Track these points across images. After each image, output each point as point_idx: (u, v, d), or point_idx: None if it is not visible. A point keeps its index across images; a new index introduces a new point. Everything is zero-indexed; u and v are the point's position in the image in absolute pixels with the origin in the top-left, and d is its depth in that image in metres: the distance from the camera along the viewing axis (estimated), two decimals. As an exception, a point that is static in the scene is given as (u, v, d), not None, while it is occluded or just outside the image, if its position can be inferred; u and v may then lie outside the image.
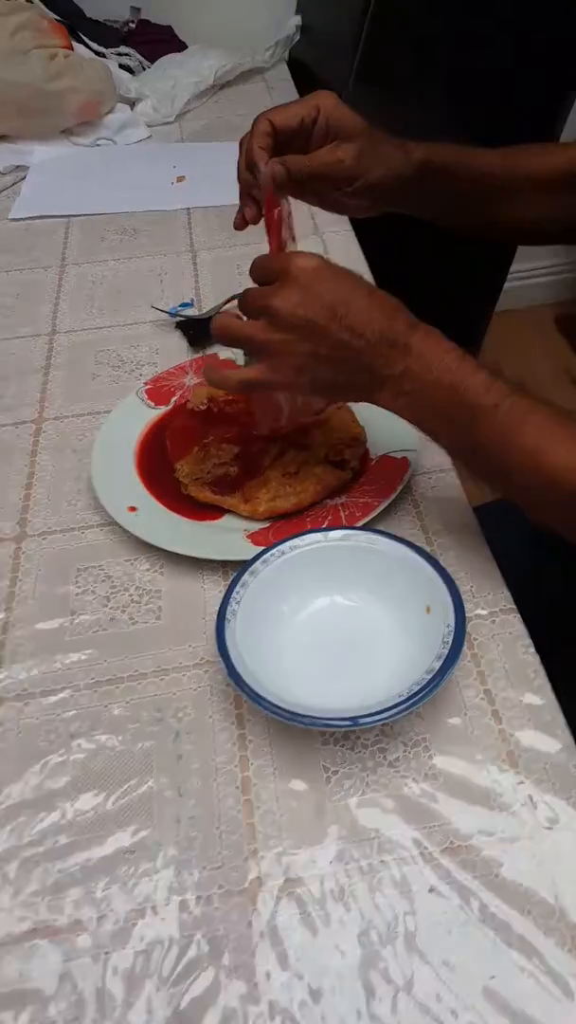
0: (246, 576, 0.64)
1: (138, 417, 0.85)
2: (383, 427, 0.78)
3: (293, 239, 0.71)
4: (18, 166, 1.33)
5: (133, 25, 1.63)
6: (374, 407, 0.64)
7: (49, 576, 0.71)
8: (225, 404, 0.84)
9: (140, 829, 0.55)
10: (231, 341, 0.63)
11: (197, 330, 0.98)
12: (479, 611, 0.65)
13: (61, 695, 0.62)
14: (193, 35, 1.62)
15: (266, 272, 0.62)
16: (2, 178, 1.31)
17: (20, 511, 0.77)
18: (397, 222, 0.98)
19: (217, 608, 0.61)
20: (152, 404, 0.87)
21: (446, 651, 0.57)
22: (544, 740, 0.57)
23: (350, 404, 0.81)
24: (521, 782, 0.55)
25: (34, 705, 0.62)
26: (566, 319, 2.38)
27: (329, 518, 0.73)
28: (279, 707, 0.55)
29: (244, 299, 0.62)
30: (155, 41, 1.60)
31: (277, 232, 0.68)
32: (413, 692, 0.55)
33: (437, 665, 0.56)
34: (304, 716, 0.55)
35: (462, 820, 0.54)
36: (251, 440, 0.79)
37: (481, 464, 0.61)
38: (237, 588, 0.63)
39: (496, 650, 0.63)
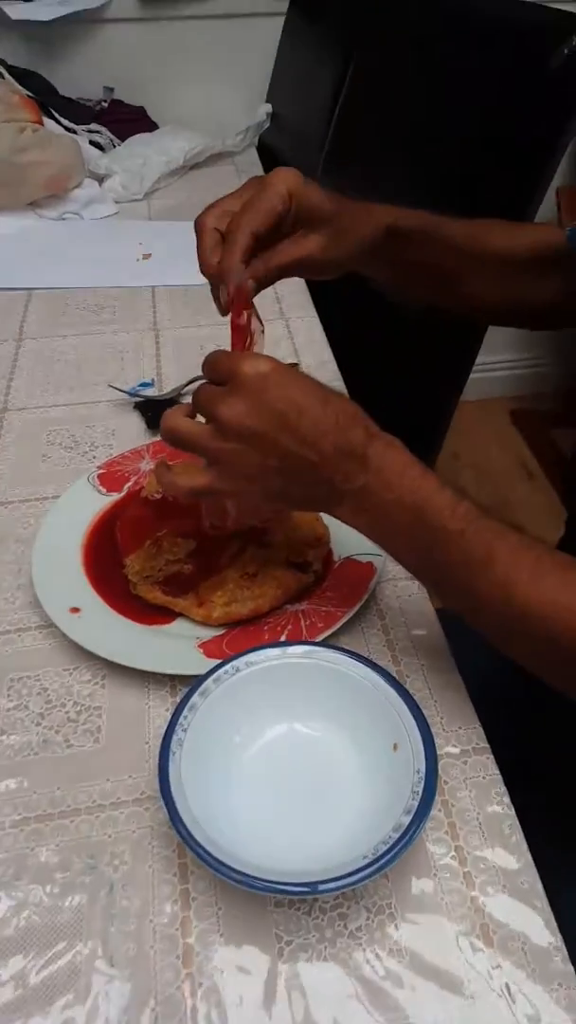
0: (195, 698, 0.55)
1: (88, 504, 0.76)
2: (347, 527, 0.70)
3: (262, 331, 0.64)
4: (-18, 236, 1.24)
5: (106, 104, 1.57)
6: None
7: (-20, 687, 0.61)
8: (182, 494, 0.75)
9: (65, 1008, 0.44)
10: (180, 446, 0.54)
11: (156, 412, 0.89)
12: (450, 748, 0.56)
13: (-18, 834, 0.52)
14: (164, 117, 1.57)
15: (217, 373, 0.54)
16: (-35, 248, 1.22)
17: (-46, 609, 0.67)
18: (363, 307, 0.92)
19: (162, 730, 0.52)
20: (104, 490, 0.77)
21: (415, 804, 0.48)
22: (521, 912, 0.48)
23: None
24: (497, 966, 0.46)
25: (-48, 845, 0.51)
26: (521, 413, 2.36)
27: (289, 627, 0.64)
28: (229, 867, 0.45)
29: (195, 398, 0.54)
30: (126, 120, 1.55)
31: (242, 334, 0.60)
32: (379, 854, 0.46)
33: (406, 821, 0.47)
34: (257, 880, 0.45)
35: (430, 1012, 0.44)
36: (209, 534, 0.70)
37: (447, 589, 0.54)
38: (185, 713, 0.54)
39: (468, 798, 0.53)
